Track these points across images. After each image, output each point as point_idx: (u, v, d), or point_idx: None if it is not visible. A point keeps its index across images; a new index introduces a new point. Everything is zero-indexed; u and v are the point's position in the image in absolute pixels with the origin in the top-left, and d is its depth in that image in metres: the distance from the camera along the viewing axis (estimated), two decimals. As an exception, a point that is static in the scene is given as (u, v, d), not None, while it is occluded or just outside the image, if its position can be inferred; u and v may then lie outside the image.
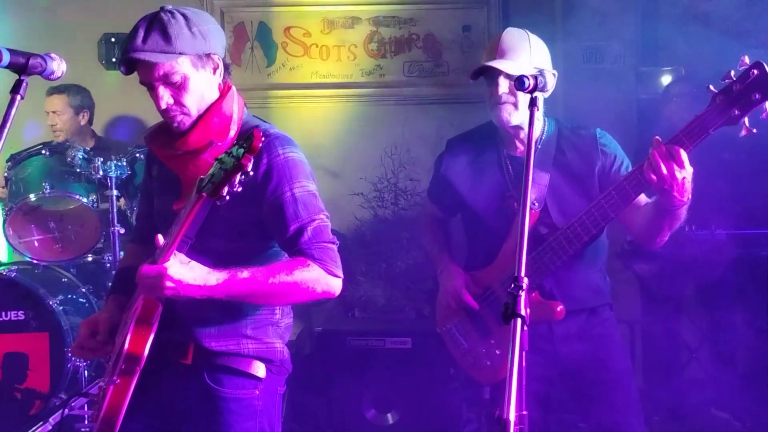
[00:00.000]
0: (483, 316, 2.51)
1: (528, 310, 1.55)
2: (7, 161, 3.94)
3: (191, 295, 1.79)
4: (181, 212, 1.78)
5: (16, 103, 1.64)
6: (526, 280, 1.58)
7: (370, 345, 3.58)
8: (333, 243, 1.96)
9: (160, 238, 1.82)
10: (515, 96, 2.32)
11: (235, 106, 1.98)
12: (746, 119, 1.88)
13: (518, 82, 1.82)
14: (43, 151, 3.90)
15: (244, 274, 1.82)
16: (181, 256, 1.79)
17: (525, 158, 1.73)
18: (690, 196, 2.11)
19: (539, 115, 2.36)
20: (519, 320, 1.53)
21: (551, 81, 2.27)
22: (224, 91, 1.98)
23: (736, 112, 1.89)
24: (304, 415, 3.52)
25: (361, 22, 4.74)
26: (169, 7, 1.91)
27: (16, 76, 1.65)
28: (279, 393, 2.06)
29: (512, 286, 1.57)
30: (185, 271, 1.77)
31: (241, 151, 1.59)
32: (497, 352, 2.45)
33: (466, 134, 2.63)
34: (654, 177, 2.04)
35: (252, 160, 1.60)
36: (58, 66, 1.71)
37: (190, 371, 1.95)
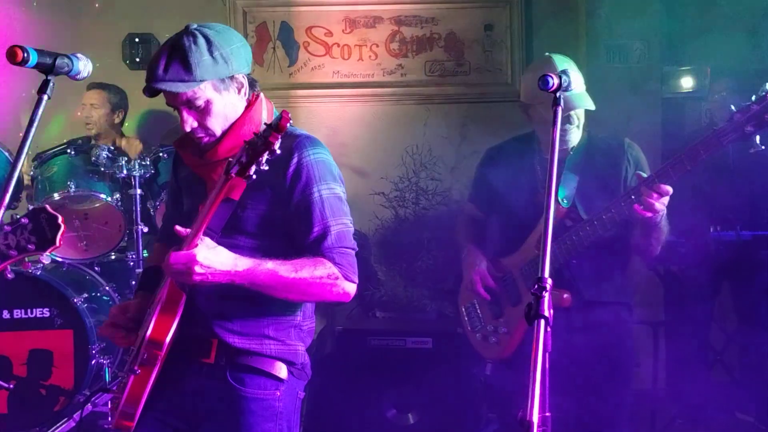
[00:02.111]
0: (498, 297, 2.72)
1: (551, 311, 1.54)
2: (33, 160, 3.99)
3: (218, 280, 1.81)
4: (208, 199, 1.79)
5: (43, 102, 1.66)
6: (549, 281, 1.57)
7: (390, 345, 3.58)
8: (353, 249, 1.98)
9: (180, 228, 1.83)
10: (579, 119, 2.57)
11: (264, 113, 2.00)
12: (757, 137, 2.10)
13: (542, 82, 1.82)
14: (68, 151, 3.95)
15: (269, 264, 1.84)
16: (208, 241, 1.81)
17: (549, 158, 1.73)
18: (664, 211, 2.37)
19: (581, 125, 2.58)
20: (542, 321, 1.52)
21: (576, 80, 2.40)
22: (252, 101, 2.00)
23: (750, 128, 2.11)
24: (325, 415, 3.53)
25: (383, 22, 4.74)
26: (194, 26, 1.92)
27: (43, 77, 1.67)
28: (299, 397, 2.07)
29: (536, 287, 1.56)
30: (213, 255, 1.79)
31: (270, 130, 1.60)
32: (504, 330, 2.68)
33: (505, 143, 2.85)
34: (639, 207, 2.32)
35: (279, 139, 1.61)
36: (85, 66, 1.73)
37: (212, 370, 1.95)
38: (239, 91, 1.96)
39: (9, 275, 1.71)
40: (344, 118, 4.76)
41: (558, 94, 1.83)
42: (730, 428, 3.85)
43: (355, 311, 4.06)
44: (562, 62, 2.54)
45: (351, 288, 1.96)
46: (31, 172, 3.97)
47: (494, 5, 4.68)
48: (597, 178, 2.56)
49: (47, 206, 1.70)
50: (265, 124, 1.65)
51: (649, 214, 2.32)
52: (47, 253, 1.69)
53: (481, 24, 4.69)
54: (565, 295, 2.52)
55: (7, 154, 3.82)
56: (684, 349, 4.12)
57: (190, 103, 1.89)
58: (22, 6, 4.72)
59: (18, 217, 1.69)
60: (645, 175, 2.37)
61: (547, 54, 2.60)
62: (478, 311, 2.81)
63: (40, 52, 1.65)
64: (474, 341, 2.82)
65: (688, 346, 4.11)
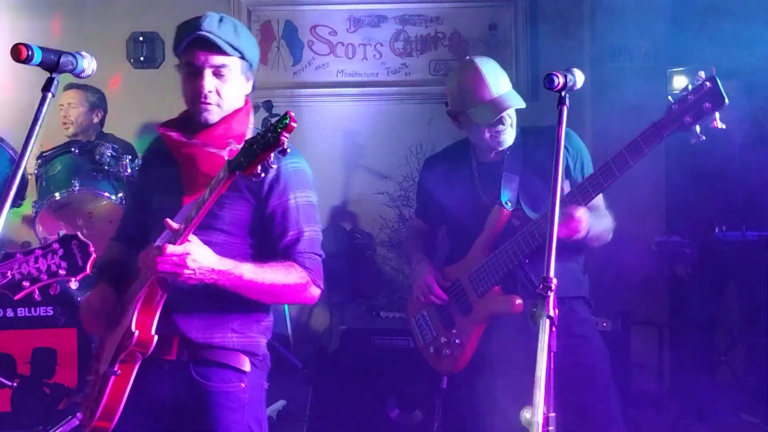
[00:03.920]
0: (449, 308, 2.63)
1: (556, 311, 1.54)
2: (37, 159, 3.99)
3: (204, 279, 1.84)
4: (200, 198, 1.81)
5: (47, 100, 1.66)
6: (554, 280, 1.56)
7: (395, 344, 3.57)
8: (321, 256, 2.08)
9: (172, 222, 1.84)
10: (511, 118, 2.51)
11: (251, 117, 2.10)
12: (698, 127, 2.05)
13: (547, 81, 1.82)
14: (73, 149, 3.94)
15: (247, 267, 1.90)
16: (196, 239, 1.85)
17: (554, 156, 1.73)
18: (587, 231, 2.30)
19: (514, 124, 2.52)
20: (548, 321, 1.51)
21: (504, 79, 2.48)
22: (247, 101, 2.10)
23: (689, 119, 2.05)
24: (329, 414, 3.52)
25: (387, 21, 4.73)
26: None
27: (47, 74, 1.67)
28: (264, 388, 2.12)
29: (541, 287, 1.56)
30: (205, 252, 1.84)
31: (280, 129, 1.62)
32: (457, 341, 2.58)
33: (441, 152, 2.82)
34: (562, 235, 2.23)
35: (288, 138, 1.63)
36: (89, 64, 1.72)
37: (175, 366, 1.98)
38: (248, 83, 2.06)
39: (37, 297, 1.72)
40: (348, 118, 4.76)
41: (563, 93, 1.82)
42: (735, 429, 3.84)
43: (359, 311, 4.06)
44: (484, 63, 2.50)
45: (317, 293, 2.05)
46: (35, 171, 3.97)
47: (499, 5, 4.67)
48: (538, 174, 2.48)
49: (79, 234, 1.73)
50: (270, 122, 1.65)
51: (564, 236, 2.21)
52: (77, 279, 1.72)
53: (485, 23, 4.68)
54: (518, 301, 2.42)
55: (11, 152, 3.82)
56: (688, 350, 4.11)
57: (218, 69, 1.97)
58: (26, 4, 4.73)
59: (50, 242, 1.71)
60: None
61: (468, 57, 2.56)
62: (430, 323, 2.69)
63: (45, 50, 1.64)
64: (427, 355, 2.71)
65: (693, 346, 4.10)
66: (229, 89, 2.00)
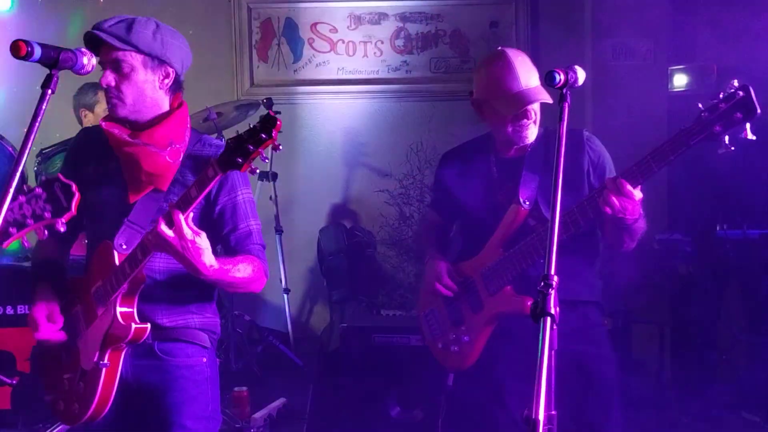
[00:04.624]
0: (459, 304, 2.59)
1: (557, 309, 1.53)
2: (37, 156, 3.98)
3: (197, 265, 1.90)
4: (189, 191, 1.87)
5: (47, 97, 1.65)
6: (556, 278, 1.56)
7: (394, 342, 3.56)
8: (265, 247, 2.19)
9: (166, 229, 1.87)
10: (536, 114, 2.45)
11: (188, 118, 2.19)
12: (726, 137, 2.00)
13: (548, 78, 1.81)
14: (73, 147, 3.94)
15: (223, 264, 2.00)
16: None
17: (556, 155, 1.73)
18: (641, 212, 2.26)
19: (538, 121, 2.47)
20: (549, 319, 1.51)
21: (533, 74, 2.41)
22: (175, 103, 2.16)
23: (718, 128, 2.00)
24: (329, 412, 3.52)
25: (388, 18, 4.73)
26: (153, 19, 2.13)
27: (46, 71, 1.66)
28: (217, 363, 2.26)
29: (542, 284, 1.55)
30: (210, 252, 1.93)
31: (270, 127, 1.73)
32: (465, 339, 2.54)
33: (461, 145, 2.76)
34: (608, 209, 2.20)
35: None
36: (89, 60, 1.72)
37: (140, 348, 2.08)
38: (163, 79, 2.10)
39: (26, 244, 1.74)
40: (349, 115, 4.75)
41: (565, 91, 1.81)
42: (736, 428, 3.83)
43: (359, 308, 4.06)
44: (516, 56, 2.45)
45: (264, 282, 2.17)
46: (35, 169, 3.97)
47: (500, 2, 4.66)
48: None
49: (60, 176, 1.74)
50: (258, 124, 1.75)
51: (620, 215, 2.20)
52: (63, 220, 1.73)
53: (486, 21, 4.68)
54: (530, 303, 2.41)
55: (11, 149, 3.82)
56: (689, 348, 4.11)
57: (116, 64, 2.05)
58: (26, 1, 4.72)
59: (32, 187, 1.72)
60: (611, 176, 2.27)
61: (500, 48, 2.50)
62: (438, 319, 2.66)
63: (44, 46, 1.64)
64: (435, 351, 2.67)
65: (694, 344, 4.10)
66: (129, 84, 2.06)
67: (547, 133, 2.53)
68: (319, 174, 4.85)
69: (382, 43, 4.73)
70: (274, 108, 4.19)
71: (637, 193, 2.17)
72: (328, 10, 4.74)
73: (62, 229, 1.75)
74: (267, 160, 1.79)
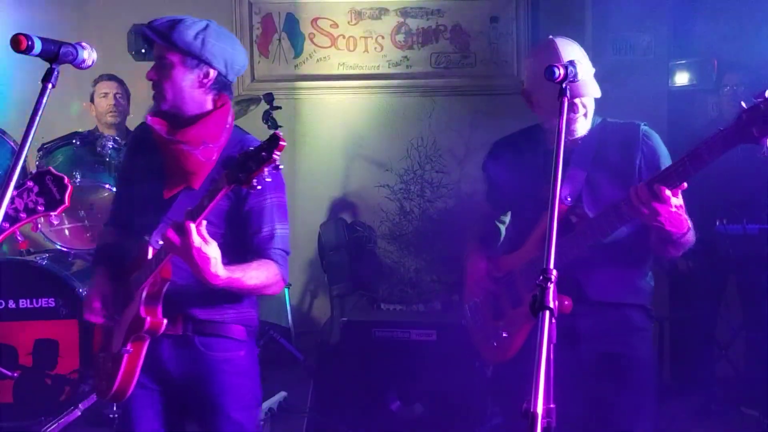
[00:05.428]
0: (499, 299, 2.56)
1: (556, 302, 1.54)
2: (38, 150, 3.99)
3: (204, 274, 1.94)
4: (202, 200, 1.91)
5: (47, 91, 1.66)
6: (554, 272, 1.56)
7: (395, 337, 3.57)
8: (289, 253, 2.25)
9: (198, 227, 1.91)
10: (586, 108, 2.39)
11: (229, 118, 2.23)
12: None
13: (548, 72, 1.81)
14: (74, 141, 3.95)
15: (237, 273, 2.04)
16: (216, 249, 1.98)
17: (555, 151, 1.72)
18: (689, 225, 2.17)
19: (589, 114, 2.40)
20: (547, 313, 1.51)
21: (581, 72, 2.25)
22: (219, 103, 2.21)
23: (755, 132, 1.90)
24: (329, 406, 3.53)
25: (389, 13, 4.72)
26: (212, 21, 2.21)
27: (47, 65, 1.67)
28: (256, 353, 2.34)
29: (540, 278, 1.55)
30: (220, 263, 1.96)
31: (273, 148, 1.78)
32: (504, 334, 2.50)
33: (512, 135, 2.67)
34: (645, 210, 2.11)
35: (279, 156, 1.79)
36: (89, 55, 1.72)
37: (181, 339, 2.18)
38: (203, 78, 2.15)
39: (19, 238, 1.75)
40: (349, 110, 4.76)
41: (564, 85, 1.81)
42: (735, 423, 3.84)
43: (360, 303, 4.06)
44: (565, 46, 2.37)
45: (282, 287, 2.24)
46: (36, 163, 3.98)
47: (500, -3, 4.66)
48: (608, 172, 2.38)
49: (51, 168, 1.76)
50: (265, 143, 1.79)
51: (656, 223, 2.10)
52: (56, 213, 1.75)
53: (487, 16, 4.67)
54: (566, 302, 2.31)
55: (12, 144, 3.83)
56: (689, 344, 4.12)
57: (159, 60, 2.14)
58: None
59: (23, 180, 1.72)
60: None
61: (550, 37, 2.42)
62: (480, 312, 2.65)
63: (44, 40, 1.64)
64: (476, 339, 2.68)
65: (693, 340, 4.10)
66: (169, 80, 2.14)
67: (604, 125, 2.45)
68: (320, 169, 4.86)
69: (383, 38, 4.73)
70: (275, 103, 4.19)
71: (675, 199, 2.08)
72: (328, 6, 4.74)
73: (56, 222, 1.76)
74: (269, 180, 1.84)
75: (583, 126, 2.40)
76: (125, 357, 2.09)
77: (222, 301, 2.18)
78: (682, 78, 4.43)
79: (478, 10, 4.67)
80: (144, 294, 2.06)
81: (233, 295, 2.18)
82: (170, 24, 2.13)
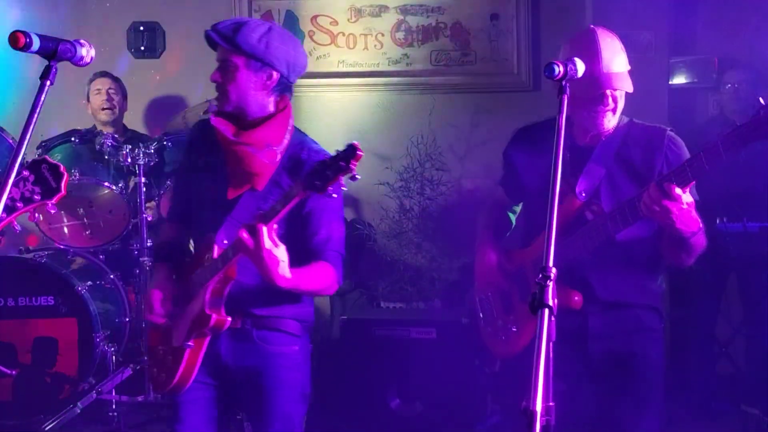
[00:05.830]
0: (510, 293, 2.55)
1: (555, 300, 1.53)
2: (37, 148, 3.99)
3: (273, 276, 2.00)
4: (272, 208, 1.98)
5: (46, 88, 1.65)
6: (554, 270, 1.56)
7: (395, 335, 3.58)
8: (343, 254, 2.30)
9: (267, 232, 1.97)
10: (615, 103, 2.35)
11: (291, 120, 2.28)
12: None
13: (548, 70, 1.81)
14: (73, 138, 3.95)
15: (298, 272, 2.09)
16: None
17: (554, 149, 1.72)
18: (700, 225, 2.16)
19: (618, 111, 2.36)
20: (546, 310, 1.51)
21: (617, 64, 2.31)
22: (281, 105, 2.26)
23: None
24: (329, 404, 3.53)
25: (389, 11, 4.71)
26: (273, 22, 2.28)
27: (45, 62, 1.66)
28: (309, 349, 2.40)
29: (540, 276, 1.55)
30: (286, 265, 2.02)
31: (350, 158, 1.84)
32: (513, 329, 2.50)
33: (536, 124, 2.61)
34: (656, 207, 2.10)
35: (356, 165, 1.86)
36: (87, 52, 1.71)
37: (240, 333, 2.23)
38: (266, 81, 2.19)
39: (17, 228, 1.74)
40: (349, 108, 4.75)
41: (564, 83, 1.81)
42: (735, 421, 3.84)
43: (359, 301, 4.06)
44: (605, 37, 2.32)
45: (336, 289, 2.30)
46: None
47: (500, -6, 4.65)
48: (628, 172, 2.35)
49: (47, 157, 1.74)
50: (341, 152, 1.85)
51: (665, 221, 2.08)
52: (53, 201, 1.75)
53: (487, 13, 4.66)
54: (576, 297, 2.31)
55: (11, 141, 3.82)
56: (689, 342, 4.11)
57: (223, 63, 2.19)
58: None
59: (19, 169, 1.70)
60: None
61: (591, 26, 2.36)
62: (490, 305, 2.62)
63: (43, 38, 1.64)
64: (485, 334, 2.65)
65: (694, 338, 4.10)
66: (233, 83, 2.17)
67: (630, 125, 2.42)
68: (320, 167, 4.84)
69: (383, 35, 4.72)
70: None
71: (686, 197, 2.07)
72: (328, 3, 4.73)
73: (53, 211, 1.78)
74: (345, 188, 1.90)
75: (610, 121, 2.35)
76: (187, 351, 2.15)
77: (282, 299, 2.23)
78: (682, 76, 4.42)
79: (478, 7, 4.66)
80: (209, 292, 2.11)
81: (293, 294, 2.22)
82: (234, 27, 2.16)
